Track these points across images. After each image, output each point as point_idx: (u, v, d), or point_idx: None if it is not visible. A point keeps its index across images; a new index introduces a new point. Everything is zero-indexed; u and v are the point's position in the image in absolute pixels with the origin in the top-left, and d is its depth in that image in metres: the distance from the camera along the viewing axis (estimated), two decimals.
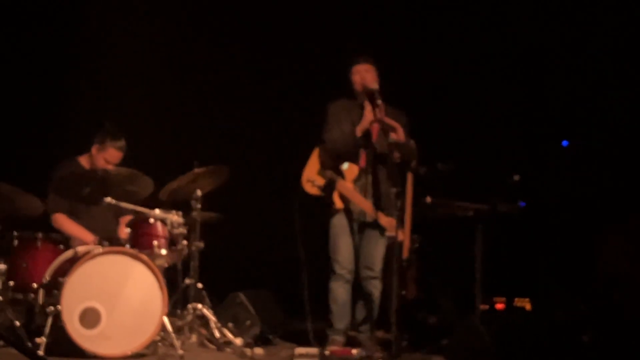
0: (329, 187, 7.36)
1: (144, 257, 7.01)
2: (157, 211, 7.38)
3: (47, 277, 6.98)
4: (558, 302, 8.39)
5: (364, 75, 7.44)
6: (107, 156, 7.74)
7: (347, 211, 7.39)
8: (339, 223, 7.43)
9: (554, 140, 9.56)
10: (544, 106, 9.73)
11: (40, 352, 6.52)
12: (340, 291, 7.44)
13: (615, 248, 7.90)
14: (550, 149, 9.57)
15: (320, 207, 7.45)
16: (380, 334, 7.56)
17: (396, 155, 7.17)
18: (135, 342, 6.82)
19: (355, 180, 7.36)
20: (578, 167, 9.23)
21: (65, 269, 6.86)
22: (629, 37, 9.03)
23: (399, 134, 7.23)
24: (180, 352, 6.83)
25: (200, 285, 7.55)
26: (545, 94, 9.76)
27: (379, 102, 7.17)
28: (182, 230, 7.43)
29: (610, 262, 7.88)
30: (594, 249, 8.18)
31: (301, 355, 6.65)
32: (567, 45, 9.52)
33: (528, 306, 8.53)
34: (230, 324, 7.56)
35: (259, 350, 7.19)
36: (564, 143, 9.48)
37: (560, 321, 7.51)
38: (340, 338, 7.44)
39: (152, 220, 7.35)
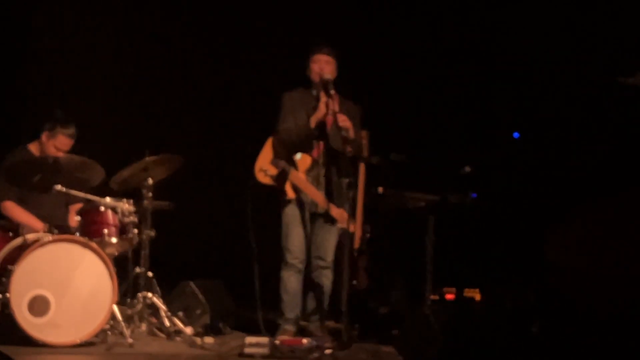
0: (282, 177, 7.35)
1: (94, 245, 6.97)
2: (107, 199, 7.33)
3: None
4: (507, 293, 8.44)
5: (323, 65, 7.43)
6: (57, 143, 7.67)
7: (299, 201, 7.40)
8: (291, 213, 7.43)
9: (505, 132, 9.62)
10: (496, 98, 9.78)
11: None
12: (291, 280, 7.45)
13: (563, 239, 7.97)
14: (501, 140, 9.63)
15: (273, 197, 7.45)
16: (330, 323, 7.57)
17: (349, 149, 7.17)
18: (85, 331, 6.78)
19: (308, 171, 7.36)
20: (529, 159, 9.30)
21: (14, 257, 6.79)
22: (580, 26, 9.09)
23: (350, 132, 7.22)
24: (130, 340, 6.81)
25: (150, 273, 7.50)
26: (496, 85, 9.81)
27: (333, 92, 7.18)
28: (133, 218, 7.39)
29: (558, 253, 7.95)
30: (543, 240, 8.24)
31: (251, 345, 6.63)
32: (518, 36, 9.57)
33: (478, 297, 8.58)
34: (180, 313, 7.53)
35: (209, 339, 7.17)
36: (515, 135, 9.55)
37: (509, 312, 7.58)
38: (291, 327, 7.45)
39: (102, 209, 7.30)
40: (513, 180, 9.29)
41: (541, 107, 9.34)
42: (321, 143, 7.39)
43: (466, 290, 8.62)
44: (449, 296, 8.56)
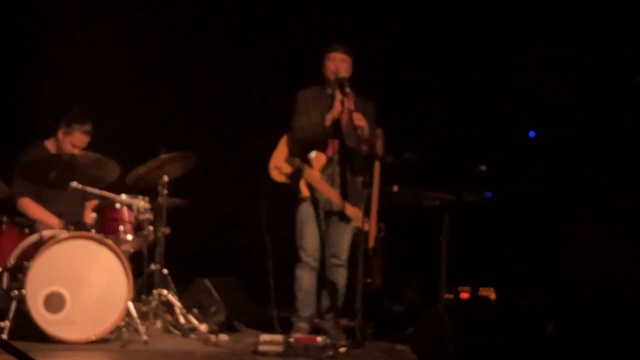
0: (296, 175, 7.36)
1: (110, 242, 7.01)
2: (123, 196, 7.37)
3: (11, 260, 6.96)
4: (522, 292, 8.43)
5: (339, 64, 7.42)
6: (73, 140, 7.71)
7: (314, 199, 7.41)
8: (306, 211, 7.44)
9: (521, 131, 9.61)
10: (512, 97, 9.77)
11: (4, 336, 6.51)
12: (305, 279, 7.45)
13: (578, 239, 7.95)
14: (517, 139, 9.62)
15: (287, 195, 7.46)
16: (345, 322, 7.57)
17: (364, 147, 7.18)
18: (100, 327, 6.83)
19: (323, 169, 7.37)
20: (544, 158, 9.28)
21: (30, 253, 6.84)
22: (597, 25, 9.08)
23: (365, 131, 7.23)
24: (145, 337, 6.84)
25: (165, 271, 7.56)
26: (513, 85, 9.80)
27: (348, 90, 7.18)
28: (149, 215, 7.44)
29: (573, 253, 7.93)
30: (558, 240, 8.23)
31: (266, 342, 6.64)
32: (534, 34, 9.56)
33: (492, 296, 8.56)
34: (195, 310, 7.57)
35: (223, 337, 7.19)
36: (531, 134, 9.54)
37: (524, 311, 7.56)
38: (305, 325, 7.46)
39: (118, 206, 7.34)
40: (528, 180, 9.29)
41: (557, 106, 9.33)
42: (336, 141, 7.39)
43: (481, 289, 8.61)
44: (464, 295, 8.54)
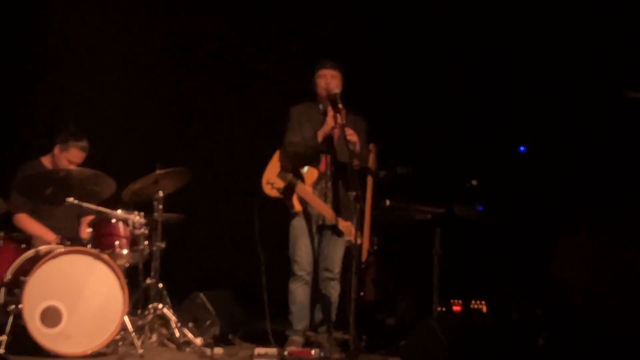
0: (289, 190, 7.40)
1: (106, 256, 7.05)
2: (119, 211, 7.41)
3: (8, 275, 6.99)
4: (514, 304, 8.47)
5: (329, 80, 7.46)
6: (69, 156, 7.76)
7: (306, 214, 7.44)
8: (298, 225, 7.47)
9: (511, 146, 9.67)
10: (502, 111, 9.83)
11: (1, 350, 6.54)
12: (299, 292, 7.48)
13: (568, 252, 8.00)
14: (507, 154, 9.67)
15: (280, 209, 7.51)
16: (338, 334, 7.63)
17: (356, 162, 7.22)
18: (96, 341, 6.85)
19: (315, 184, 7.40)
20: (534, 173, 9.34)
21: (27, 268, 6.87)
22: (586, 42, 9.15)
23: (357, 146, 7.29)
24: (141, 351, 6.87)
25: (161, 285, 7.56)
26: (503, 99, 9.86)
27: (340, 106, 7.23)
28: (144, 230, 7.47)
29: (564, 266, 7.99)
30: (549, 253, 8.28)
31: (260, 356, 6.70)
32: (525, 49, 9.62)
33: (484, 308, 8.61)
34: (190, 324, 7.58)
35: (218, 350, 7.21)
36: (521, 149, 9.60)
37: (516, 323, 7.62)
38: (299, 338, 7.48)
39: (114, 221, 7.38)
40: (519, 194, 9.34)
41: (547, 121, 9.39)
42: (328, 156, 7.43)
43: (473, 302, 8.65)
44: (456, 308, 8.59)
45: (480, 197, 8.58)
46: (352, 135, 7.23)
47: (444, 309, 8.37)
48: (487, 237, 9.14)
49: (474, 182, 8.38)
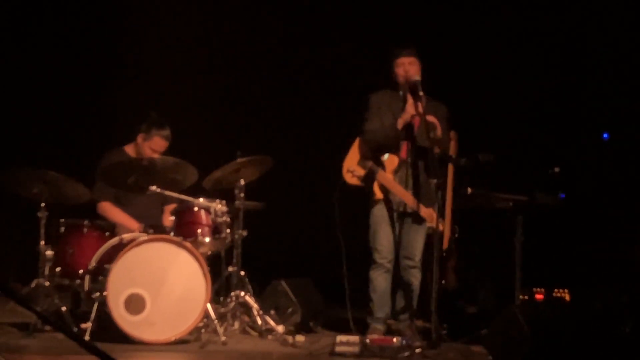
0: (369, 178, 7.39)
1: (188, 244, 7.11)
2: (201, 200, 7.46)
3: (93, 263, 7.11)
4: (597, 293, 8.38)
5: (408, 67, 7.40)
6: (152, 145, 7.85)
7: (387, 201, 7.42)
8: (379, 213, 7.46)
9: (595, 133, 9.56)
10: (585, 98, 9.71)
11: (86, 338, 6.64)
12: (379, 280, 7.47)
13: None
14: (590, 141, 9.56)
15: (361, 197, 7.50)
16: (419, 323, 7.61)
17: (436, 149, 7.18)
18: (179, 329, 6.94)
19: (395, 171, 7.38)
20: (618, 160, 9.22)
21: (111, 256, 6.98)
22: None
23: (437, 132, 7.24)
24: (223, 338, 6.93)
25: (243, 273, 7.59)
26: (586, 86, 9.74)
27: (421, 94, 7.18)
28: (226, 218, 7.50)
29: None
30: (633, 240, 8.17)
31: (342, 343, 6.69)
32: (609, 36, 9.50)
33: (567, 297, 8.53)
34: (272, 312, 7.61)
35: (300, 338, 7.22)
36: (605, 136, 9.48)
37: (599, 312, 7.52)
38: (380, 327, 7.49)
39: (196, 209, 7.44)
40: (602, 181, 9.23)
41: (631, 108, 9.26)
42: (408, 143, 7.38)
43: (556, 290, 8.57)
44: (539, 296, 8.51)
45: (562, 184, 8.49)
46: (432, 119, 7.19)
47: (526, 297, 8.30)
48: (569, 225, 9.04)
49: (557, 170, 8.29)
